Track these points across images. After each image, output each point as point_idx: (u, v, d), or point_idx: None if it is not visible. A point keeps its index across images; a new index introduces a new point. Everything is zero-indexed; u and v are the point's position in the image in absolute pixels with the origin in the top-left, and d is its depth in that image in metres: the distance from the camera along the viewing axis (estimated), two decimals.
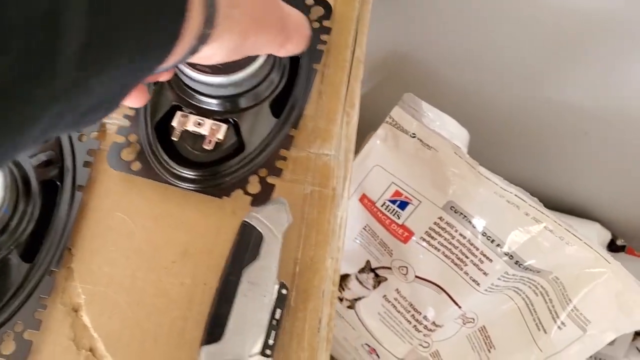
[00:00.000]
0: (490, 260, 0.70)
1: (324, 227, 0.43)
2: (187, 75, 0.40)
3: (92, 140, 0.44)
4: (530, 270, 0.68)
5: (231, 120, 0.43)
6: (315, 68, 0.46)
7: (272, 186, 0.43)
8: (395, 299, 0.79)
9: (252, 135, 0.43)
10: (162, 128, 0.44)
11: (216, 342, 0.37)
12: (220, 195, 0.42)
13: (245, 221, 0.39)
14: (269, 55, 0.41)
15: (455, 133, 0.68)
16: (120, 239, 0.42)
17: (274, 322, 0.38)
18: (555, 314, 0.68)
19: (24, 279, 0.39)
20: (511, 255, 0.69)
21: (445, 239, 0.72)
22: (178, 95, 0.43)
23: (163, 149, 0.43)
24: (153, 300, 0.41)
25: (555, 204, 0.89)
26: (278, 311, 0.38)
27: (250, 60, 0.40)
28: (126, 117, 0.45)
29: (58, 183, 0.42)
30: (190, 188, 0.43)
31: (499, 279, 0.70)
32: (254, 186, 0.43)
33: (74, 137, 0.44)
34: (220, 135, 0.42)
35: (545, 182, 0.85)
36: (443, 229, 0.72)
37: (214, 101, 0.42)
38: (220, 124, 0.42)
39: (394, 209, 0.74)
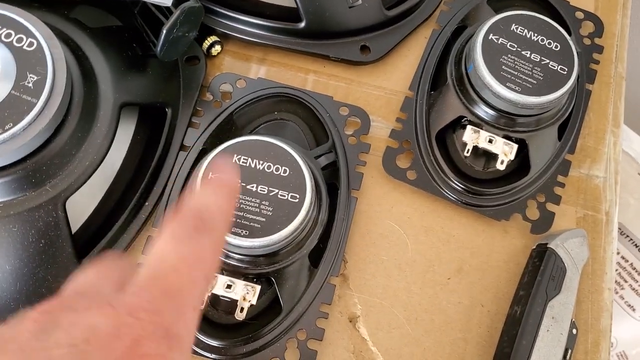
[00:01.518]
0: None
1: (599, 254, 0.42)
2: (494, 92, 0.38)
3: (363, 143, 0.42)
4: None
5: (516, 139, 0.41)
6: (589, 89, 0.44)
7: (552, 214, 0.41)
8: None
9: (537, 158, 0.41)
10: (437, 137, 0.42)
11: None
12: (499, 217, 0.41)
13: (551, 249, 0.38)
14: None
15: (638, 152, 0.67)
16: (393, 249, 0.41)
17: None
18: None
19: (307, 284, 0.38)
20: None
21: None
22: (465, 105, 0.41)
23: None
24: (431, 317, 0.39)
25: None
26: (569, 352, 0.37)
27: (562, 82, 0.39)
28: (399, 120, 0.43)
29: (338, 186, 0.40)
30: (467, 204, 0.41)
31: None
32: (532, 212, 0.41)
33: (344, 138, 0.42)
34: (512, 156, 0.40)
35: None
36: None
37: (503, 118, 0.40)
38: (511, 143, 0.40)
39: None
